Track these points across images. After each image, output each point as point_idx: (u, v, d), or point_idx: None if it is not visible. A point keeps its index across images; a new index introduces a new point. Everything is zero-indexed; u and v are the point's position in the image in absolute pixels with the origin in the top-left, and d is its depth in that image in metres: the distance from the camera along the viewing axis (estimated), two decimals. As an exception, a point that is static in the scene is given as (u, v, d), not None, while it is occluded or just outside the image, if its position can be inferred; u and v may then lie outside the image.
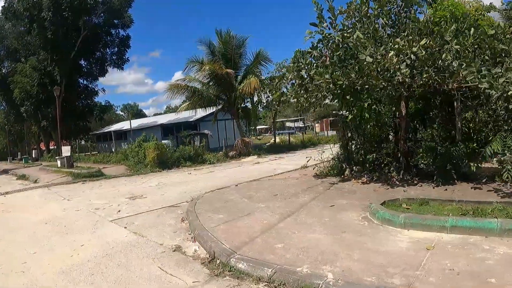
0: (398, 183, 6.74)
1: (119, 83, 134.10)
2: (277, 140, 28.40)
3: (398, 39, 5.55)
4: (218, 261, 3.82)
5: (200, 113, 23.38)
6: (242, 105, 22.76)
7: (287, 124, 56.07)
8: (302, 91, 6.52)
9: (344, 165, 8.01)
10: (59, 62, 24.76)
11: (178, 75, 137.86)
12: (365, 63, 5.46)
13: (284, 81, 6.72)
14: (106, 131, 34.59)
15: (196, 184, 9.95)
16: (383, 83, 5.81)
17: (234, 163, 16.47)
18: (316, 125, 52.07)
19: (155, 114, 71.32)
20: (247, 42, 21.19)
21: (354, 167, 7.83)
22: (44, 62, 25.52)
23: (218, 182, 10.00)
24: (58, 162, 16.86)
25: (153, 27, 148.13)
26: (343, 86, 5.92)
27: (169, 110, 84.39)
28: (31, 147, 36.74)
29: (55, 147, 29.01)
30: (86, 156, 24.98)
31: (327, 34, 6.11)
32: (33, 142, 36.92)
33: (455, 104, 6.59)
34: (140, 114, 63.15)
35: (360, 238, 4.12)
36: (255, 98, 22.94)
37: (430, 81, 5.79)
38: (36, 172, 16.65)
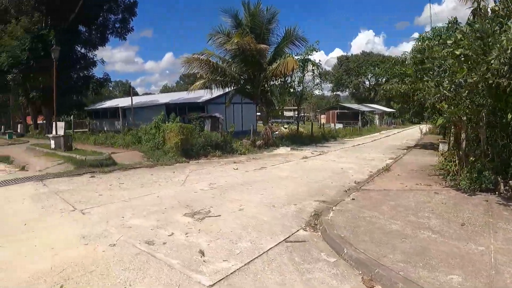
0: None
1: (108, 60, 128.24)
2: (286, 129, 25.49)
3: None
4: None
5: (216, 93, 19.58)
6: (267, 87, 19.74)
7: (286, 113, 53.14)
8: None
9: (499, 178, 6.14)
10: (55, 25, 20.99)
11: (169, 56, 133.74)
12: None
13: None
14: (99, 107, 30.89)
15: (269, 189, 6.99)
16: None
17: (271, 155, 13.61)
18: (322, 116, 49.29)
19: (145, 94, 68.03)
20: (277, 18, 17.91)
21: (510, 181, 5.97)
22: (37, 25, 21.65)
23: (298, 187, 7.13)
24: (52, 142, 12.75)
25: (145, 5, 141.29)
26: None
27: (165, 89, 79.33)
28: (15, 120, 31.98)
29: (43, 122, 25.11)
30: (83, 135, 20.24)
31: None
32: (19, 115, 32.25)
33: None
34: (132, 93, 60.40)
35: None
36: (289, 80, 20.14)
37: None
38: (23, 153, 12.91)
